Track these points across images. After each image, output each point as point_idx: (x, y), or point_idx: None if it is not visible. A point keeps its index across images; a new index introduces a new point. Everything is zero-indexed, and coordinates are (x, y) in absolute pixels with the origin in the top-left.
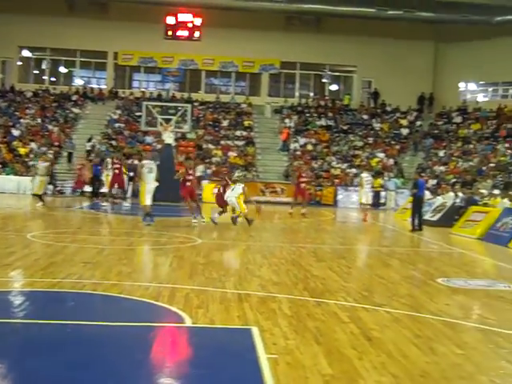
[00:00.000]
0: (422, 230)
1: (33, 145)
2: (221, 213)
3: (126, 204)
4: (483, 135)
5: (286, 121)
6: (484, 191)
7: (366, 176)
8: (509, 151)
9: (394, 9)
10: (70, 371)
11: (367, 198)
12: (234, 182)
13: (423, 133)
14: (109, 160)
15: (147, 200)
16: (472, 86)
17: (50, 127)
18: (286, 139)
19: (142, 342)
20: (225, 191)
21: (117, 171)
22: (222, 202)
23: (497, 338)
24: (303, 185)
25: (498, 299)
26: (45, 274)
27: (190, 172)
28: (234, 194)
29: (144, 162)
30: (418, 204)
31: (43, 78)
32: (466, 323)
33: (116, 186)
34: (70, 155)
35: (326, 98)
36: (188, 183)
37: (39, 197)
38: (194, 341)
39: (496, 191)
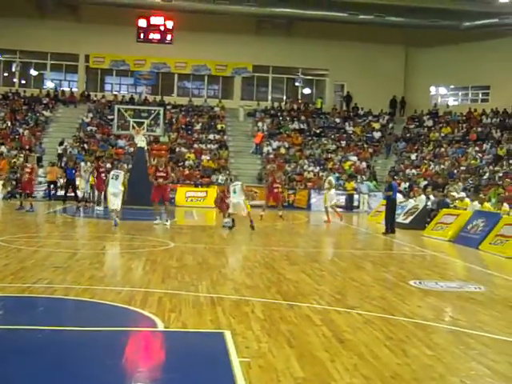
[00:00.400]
0: (394, 232)
1: (3, 148)
2: (228, 215)
3: (99, 208)
4: (454, 139)
5: (259, 124)
6: (455, 194)
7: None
8: (479, 155)
9: (365, 13)
10: (41, 377)
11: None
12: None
13: (396, 136)
14: (82, 164)
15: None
16: (442, 90)
17: (20, 130)
18: (259, 142)
19: (114, 347)
20: (226, 196)
21: (103, 175)
22: (223, 206)
23: (467, 340)
24: (276, 189)
25: (469, 301)
26: (15, 278)
27: (161, 169)
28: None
29: (113, 171)
30: (391, 207)
31: (13, 80)
32: (437, 325)
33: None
34: (39, 159)
35: (300, 101)
36: (160, 180)
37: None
38: (167, 345)
39: (462, 194)
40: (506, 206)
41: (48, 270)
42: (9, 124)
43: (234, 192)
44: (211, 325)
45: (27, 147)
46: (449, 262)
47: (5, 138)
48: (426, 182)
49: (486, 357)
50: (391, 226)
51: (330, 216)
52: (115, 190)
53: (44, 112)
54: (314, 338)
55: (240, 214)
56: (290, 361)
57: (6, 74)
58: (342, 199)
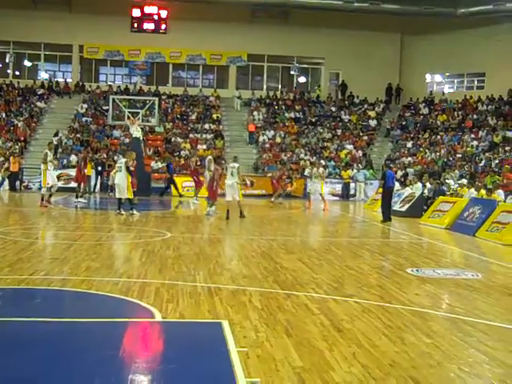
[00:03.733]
0: (391, 220)
1: None
2: (212, 205)
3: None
4: (450, 126)
5: (255, 113)
6: (451, 181)
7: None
8: (475, 142)
9: (360, 1)
10: (39, 369)
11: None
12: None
13: (392, 123)
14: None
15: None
16: (438, 78)
17: (15, 122)
18: (253, 131)
19: (111, 338)
20: (217, 182)
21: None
22: (213, 194)
23: (465, 327)
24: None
25: (466, 288)
26: (12, 270)
27: (130, 163)
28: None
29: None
30: (387, 195)
31: (7, 71)
32: (435, 312)
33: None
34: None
35: (296, 90)
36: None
37: None
38: (164, 335)
39: (463, 181)
40: (499, 193)
41: (45, 262)
42: (3, 115)
43: (232, 174)
44: (209, 315)
45: (22, 138)
46: (446, 250)
47: (0, 129)
48: (410, 170)
49: (483, 344)
50: (387, 214)
51: (326, 203)
52: (117, 181)
53: (38, 103)
54: (312, 327)
55: (234, 199)
56: (288, 350)
57: None
58: (339, 188)
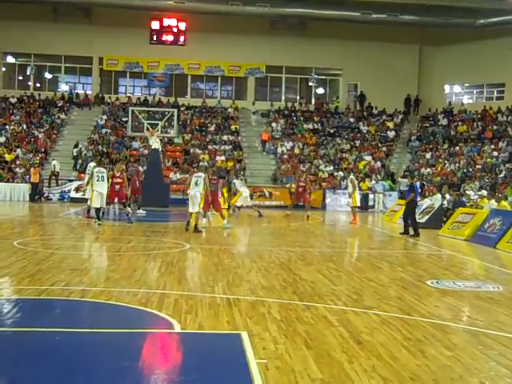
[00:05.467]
0: (419, 235)
1: (18, 151)
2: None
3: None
4: (469, 137)
5: (273, 124)
6: (471, 193)
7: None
8: (495, 153)
9: (378, 12)
10: (60, 379)
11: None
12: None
13: (411, 134)
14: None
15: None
16: (457, 89)
17: (35, 133)
18: (266, 140)
19: (130, 349)
20: (216, 194)
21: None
22: (218, 206)
23: (486, 340)
24: (301, 189)
25: (487, 300)
26: (32, 281)
27: (118, 175)
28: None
29: (95, 169)
30: (412, 208)
31: (28, 83)
32: (455, 325)
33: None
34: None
35: (319, 101)
36: (116, 186)
37: None
38: (183, 347)
39: (483, 192)
40: None
41: (65, 273)
42: (24, 127)
43: (196, 184)
44: (228, 326)
45: (43, 150)
46: (466, 262)
47: (20, 140)
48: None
49: (505, 357)
50: (415, 228)
51: (356, 216)
52: (103, 190)
53: (59, 115)
54: (332, 339)
55: (194, 211)
56: (308, 362)
57: (20, 78)
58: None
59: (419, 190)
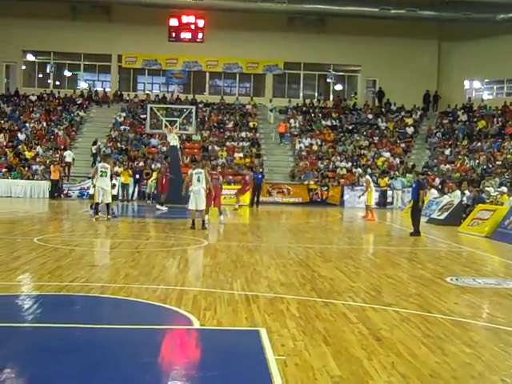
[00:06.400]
0: (419, 234)
1: (38, 149)
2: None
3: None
4: (489, 133)
5: (291, 121)
6: (491, 189)
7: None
8: None
9: (397, 8)
10: (80, 375)
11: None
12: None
13: (430, 130)
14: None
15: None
16: (477, 84)
17: (55, 131)
18: (283, 132)
19: (150, 345)
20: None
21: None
22: (218, 201)
23: (507, 337)
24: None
25: (508, 297)
26: (52, 277)
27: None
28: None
29: (99, 164)
30: (416, 206)
31: (48, 81)
32: (475, 322)
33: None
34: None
35: (338, 98)
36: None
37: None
38: (203, 343)
39: (503, 189)
40: None
41: (84, 269)
42: (44, 124)
43: (198, 180)
44: (246, 322)
45: (62, 147)
46: (486, 259)
47: (40, 138)
48: (439, 179)
49: None
50: (417, 226)
51: (373, 213)
52: (107, 187)
53: (78, 112)
54: (351, 336)
55: (199, 208)
56: (327, 359)
57: (40, 76)
58: (376, 195)
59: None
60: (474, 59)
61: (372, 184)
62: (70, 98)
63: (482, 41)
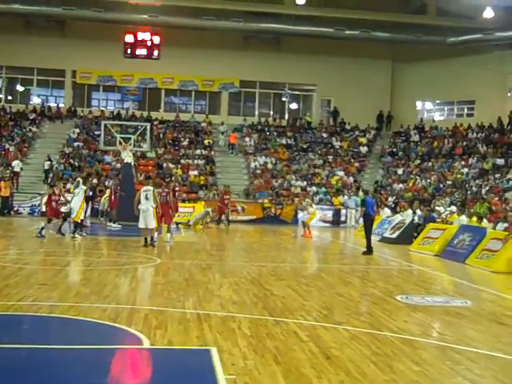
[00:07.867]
0: (372, 253)
1: None
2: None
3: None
4: (440, 153)
5: (246, 139)
6: (441, 208)
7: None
8: (465, 169)
9: (351, 29)
10: None
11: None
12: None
13: (383, 150)
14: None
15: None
16: (428, 105)
17: (6, 146)
18: (233, 143)
19: (99, 365)
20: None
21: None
22: (169, 219)
23: (454, 355)
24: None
25: (456, 316)
26: None
27: (57, 192)
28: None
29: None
30: (366, 223)
31: None
32: (424, 340)
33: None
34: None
35: (295, 117)
36: (53, 203)
37: None
38: (153, 362)
39: (453, 208)
40: (485, 221)
41: (33, 288)
42: None
43: (146, 198)
44: (197, 341)
45: (13, 163)
46: (435, 277)
47: None
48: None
49: (472, 372)
50: (369, 245)
51: (310, 230)
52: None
53: (31, 128)
54: (301, 355)
55: (149, 227)
56: (277, 378)
57: None
58: (330, 214)
59: (374, 206)
60: (426, 80)
61: (314, 206)
62: (22, 113)
63: (433, 63)
